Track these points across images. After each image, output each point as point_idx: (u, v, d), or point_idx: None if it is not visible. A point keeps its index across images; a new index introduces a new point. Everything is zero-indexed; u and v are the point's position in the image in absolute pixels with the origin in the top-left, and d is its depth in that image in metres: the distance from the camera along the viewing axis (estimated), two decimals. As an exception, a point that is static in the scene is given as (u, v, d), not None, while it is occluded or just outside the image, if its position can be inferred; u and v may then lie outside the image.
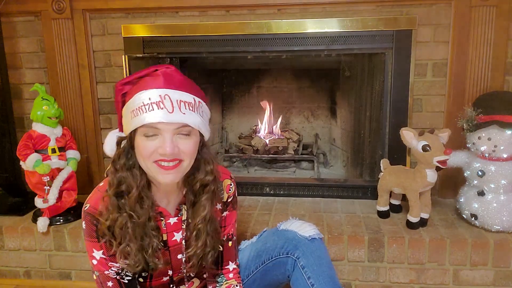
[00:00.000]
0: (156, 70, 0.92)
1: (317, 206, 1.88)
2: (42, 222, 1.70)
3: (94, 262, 0.98)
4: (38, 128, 1.74)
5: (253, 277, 1.18)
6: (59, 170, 1.77)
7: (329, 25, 1.81)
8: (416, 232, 1.60)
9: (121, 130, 0.98)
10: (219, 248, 1.11)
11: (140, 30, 1.92)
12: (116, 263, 0.97)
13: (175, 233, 1.04)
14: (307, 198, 1.98)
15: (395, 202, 1.79)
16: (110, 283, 1.00)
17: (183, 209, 1.04)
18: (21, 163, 1.71)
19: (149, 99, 0.87)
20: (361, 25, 1.79)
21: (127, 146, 0.94)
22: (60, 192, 1.76)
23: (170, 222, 1.03)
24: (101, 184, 1.01)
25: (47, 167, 1.69)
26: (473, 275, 1.56)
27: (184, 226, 1.04)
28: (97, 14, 1.96)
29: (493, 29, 1.73)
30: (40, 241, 1.75)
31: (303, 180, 2.17)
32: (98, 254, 0.96)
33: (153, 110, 0.87)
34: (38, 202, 1.73)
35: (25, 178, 1.77)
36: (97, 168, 2.11)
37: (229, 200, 1.12)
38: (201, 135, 0.96)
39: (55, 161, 1.75)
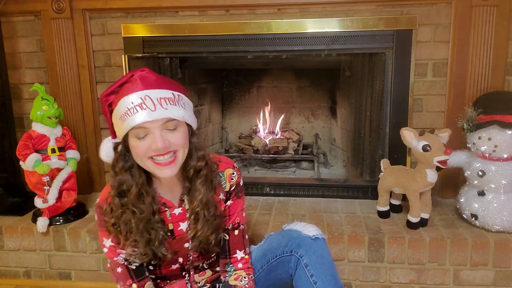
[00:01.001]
0: (133, 75, 0.98)
1: (317, 206, 1.88)
2: (42, 222, 1.69)
3: (105, 250, 1.06)
4: (38, 128, 1.73)
5: (258, 276, 1.19)
6: (58, 170, 1.77)
7: (329, 25, 1.81)
8: (416, 232, 1.60)
9: (114, 136, 1.04)
10: (225, 236, 1.14)
11: (140, 30, 1.92)
12: (126, 250, 1.03)
13: (180, 223, 1.10)
14: (307, 198, 1.98)
15: (395, 202, 1.79)
16: (119, 269, 1.07)
17: (185, 199, 1.09)
18: (21, 163, 1.71)
19: (132, 103, 0.94)
20: (361, 25, 1.79)
21: (123, 150, 1.00)
22: (60, 192, 1.76)
23: (175, 213, 1.09)
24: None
25: (46, 167, 1.69)
26: (473, 275, 1.56)
27: (188, 215, 1.09)
28: (97, 14, 1.96)
29: (493, 29, 1.73)
30: (40, 241, 1.75)
31: (303, 180, 2.17)
32: (107, 242, 1.04)
33: (137, 112, 0.93)
34: (38, 202, 1.73)
35: (25, 178, 1.77)
36: (97, 168, 2.11)
37: (231, 189, 1.14)
38: (189, 126, 1.03)
39: (54, 161, 1.75)
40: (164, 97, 0.95)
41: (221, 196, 1.13)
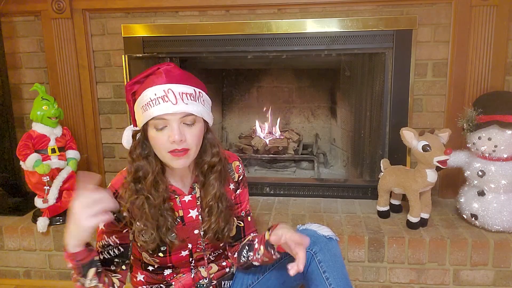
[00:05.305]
0: (159, 68, 1.03)
1: (317, 206, 1.88)
2: (42, 222, 1.70)
3: (99, 230, 1.10)
4: (38, 128, 1.74)
5: (268, 274, 1.20)
6: (59, 170, 1.77)
7: (329, 25, 1.81)
8: (416, 232, 1.60)
9: (135, 125, 1.09)
10: (240, 223, 1.21)
11: (140, 30, 1.92)
12: (108, 238, 1.08)
13: (190, 210, 1.13)
14: (307, 198, 1.98)
15: (395, 202, 1.79)
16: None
17: (196, 187, 1.14)
18: (21, 163, 1.71)
19: (155, 94, 0.98)
20: (361, 25, 1.79)
21: (142, 138, 1.05)
22: (60, 192, 1.76)
23: (185, 200, 1.13)
24: (124, 169, 1.12)
25: (47, 167, 1.69)
26: (473, 275, 1.56)
27: (198, 203, 1.14)
28: (97, 14, 1.96)
29: (493, 29, 1.73)
30: (40, 241, 1.75)
31: (303, 180, 2.17)
32: (100, 225, 1.08)
33: (159, 104, 0.98)
34: (38, 202, 1.73)
35: (25, 178, 1.77)
36: (97, 168, 2.11)
37: (240, 178, 1.22)
38: (206, 122, 1.07)
39: (55, 161, 1.75)
40: (186, 92, 1.00)
41: (231, 186, 1.19)
